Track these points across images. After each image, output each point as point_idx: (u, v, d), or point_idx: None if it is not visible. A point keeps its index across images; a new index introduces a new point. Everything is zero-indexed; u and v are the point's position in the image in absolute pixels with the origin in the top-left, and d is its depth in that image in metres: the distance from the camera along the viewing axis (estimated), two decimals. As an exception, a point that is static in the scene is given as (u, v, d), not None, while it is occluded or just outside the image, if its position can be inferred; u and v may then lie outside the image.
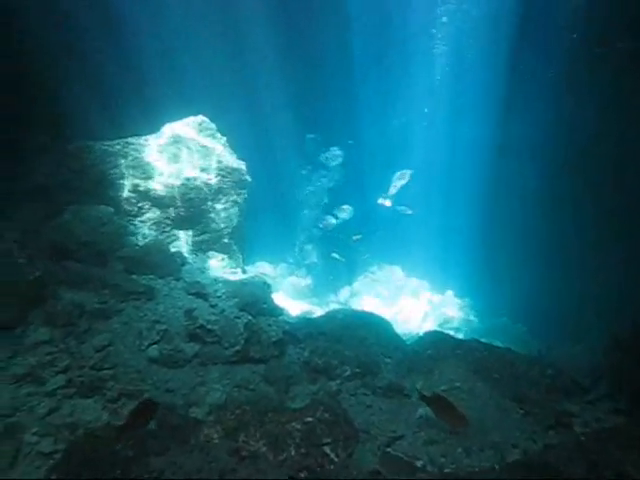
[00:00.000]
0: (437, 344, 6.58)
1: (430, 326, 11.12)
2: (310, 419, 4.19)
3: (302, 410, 4.73)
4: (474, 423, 5.37)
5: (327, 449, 4.09)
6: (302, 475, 3.01)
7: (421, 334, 7.39)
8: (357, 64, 12.51)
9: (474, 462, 4.91)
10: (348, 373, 6.08)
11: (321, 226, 12.14)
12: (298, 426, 4.02)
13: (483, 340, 10.65)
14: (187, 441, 3.89)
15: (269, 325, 6.63)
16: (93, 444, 4.37)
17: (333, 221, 12.10)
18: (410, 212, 12.39)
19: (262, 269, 12.07)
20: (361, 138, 13.50)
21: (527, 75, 12.26)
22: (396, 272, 13.60)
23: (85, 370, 5.49)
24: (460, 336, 10.90)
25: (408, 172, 12.79)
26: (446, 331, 10.94)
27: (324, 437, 4.08)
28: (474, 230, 12.96)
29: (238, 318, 6.70)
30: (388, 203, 12.59)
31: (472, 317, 12.11)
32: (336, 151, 13.11)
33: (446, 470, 4.80)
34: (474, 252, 12.74)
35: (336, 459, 4.19)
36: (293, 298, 10.67)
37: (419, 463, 4.87)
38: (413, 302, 12.07)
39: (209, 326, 6.36)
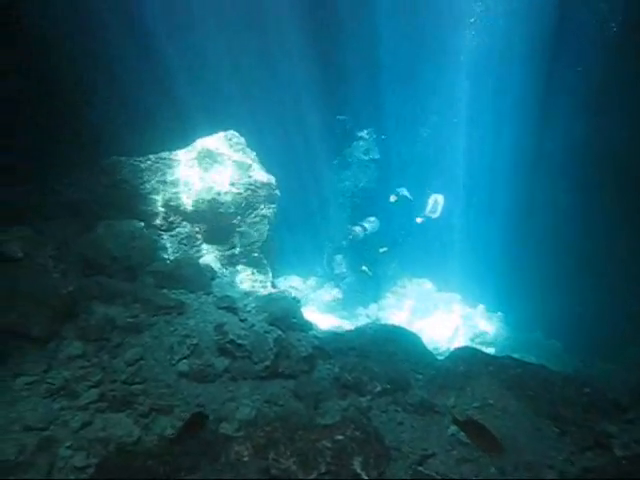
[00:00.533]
0: (469, 360, 6.44)
1: (461, 341, 10.93)
2: (340, 437, 4.11)
3: (332, 427, 4.66)
4: (508, 442, 5.23)
5: (358, 468, 4.01)
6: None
7: (452, 350, 7.23)
8: (387, 76, 12.50)
9: (509, 483, 4.77)
10: (378, 389, 6.00)
11: (350, 237, 11.95)
12: (328, 444, 3.95)
13: (516, 356, 10.47)
14: (217, 458, 3.86)
15: (299, 340, 6.59)
16: (125, 459, 4.39)
17: (360, 231, 11.85)
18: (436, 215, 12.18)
19: (292, 282, 12.07)
20: (389, 151, 13.46)
21: (561, 89, 12.06)
22: (426, 285, 13.43)
23: (117, 384, 5.53)
24: (492, 351, 10.73)
25: (441, 197, 12.46)
26: (478, 346, 10.80)
27: (355, 455, 3.99)
28: (506, 243, 12.74)
29: (268, 333, 6.68)
30: (419, 220, 12.27)
31: (504, 332, 11.85)
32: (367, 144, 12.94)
33: (480, 490, 4.68)
34: (506, 266, 12.51)
35: (367, 478, 4.11)
36: (322, 312, 10.62)
37: (452, 483, 4.76)
38: (444, 316, 11.88)
39: (239, 341, 6.35)
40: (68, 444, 4.76)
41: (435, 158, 13.81)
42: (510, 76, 12.79)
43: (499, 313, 12.28)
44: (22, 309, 5.73)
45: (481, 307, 12.47)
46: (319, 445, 3.93)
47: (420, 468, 4.97)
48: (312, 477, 3.67)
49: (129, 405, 5.32)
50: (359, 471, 3.91)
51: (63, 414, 5.07)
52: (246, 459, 3.75)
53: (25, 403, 5.11)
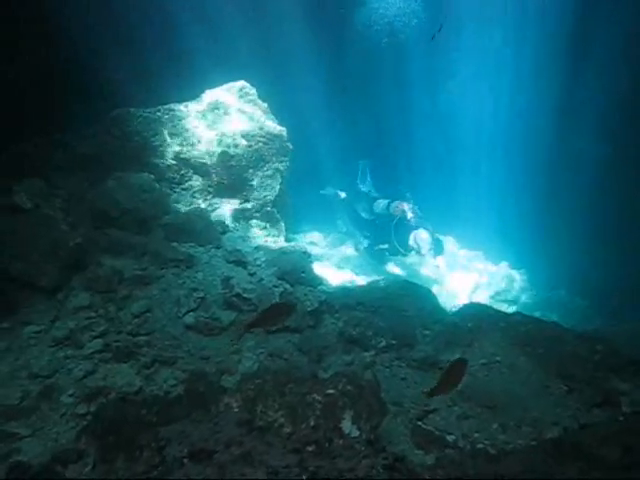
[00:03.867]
0: (478, 316, 6.28)
1: (481, 298, 10.71)
2: (333, 390, 4.06)
3: (331, 380, 4.60)
4: (513, 399, 5.13)
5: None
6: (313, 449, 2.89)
7: (461, 306, 7.07)
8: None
9: (509, 438, 4.68)
10: (383, 344, 5.92)
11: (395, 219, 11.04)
12: (319, 397, 3.90)
13: (537, 314, 10.26)
14: (209, 410, 3.86)
15: (305, 295, 6.52)
16: (121, 408, 4.44)
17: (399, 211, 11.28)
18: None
19: (312, 238, 11.96)
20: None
21: (593, 36, 11.36)
22: (449, 242, 13.13)
23: (122, 335, 5.59)
24: (513, 308, 10.52)
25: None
26: (499, 304, 10.60)
27: (347, 409, 3.94)
28: (532, 199, 12.32)
29: (276, 287, 6.63)
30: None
31: (527, 289, 11.57)
32: None
33: (478, 446, 4.59)
34: (531, 222, 12.13)
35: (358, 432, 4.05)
36: (339, 267, 10.51)
37: (450, 438, 4.70)
38: (465, 273, 11.64)
39: (245, 294, 6.32)
40: (70, 392, 4.85)
41: (459, 115, 13.30)
42: (542, 20, 12.09)
43: (522, 270, 11.96)
44: (31, 259, 5.79)
45: (504, 264, 12.15)
46: (309, 398, 3.87)
47: (419, 423, 4.93)
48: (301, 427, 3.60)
49: (133, 356, 5.38)
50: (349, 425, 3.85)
51: (67, 363, 5.16)
52: (235, 410, 3.72)
53: (32, 351, 5.22)
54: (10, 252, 5.72)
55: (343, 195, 11.83)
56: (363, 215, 11.29)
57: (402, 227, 9.90)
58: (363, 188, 11.75)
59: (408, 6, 12.57)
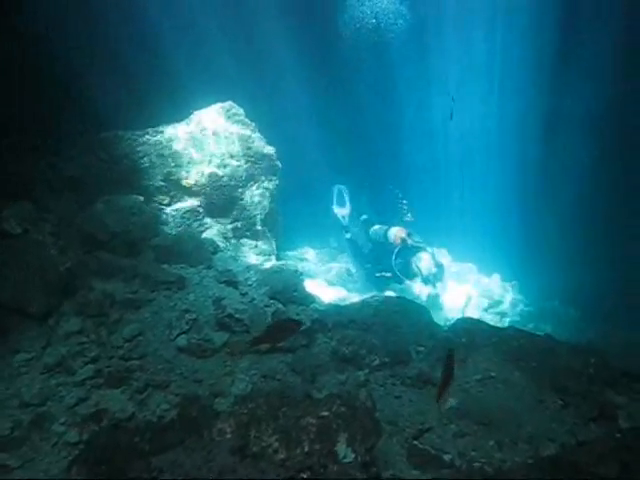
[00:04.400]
0: (472, 331, 6.28)
1: (474, 311, 10.73)
2: (327, 413, 4.03)
3: (325, 401, 4.57)
4: (508, 415, 5.12)
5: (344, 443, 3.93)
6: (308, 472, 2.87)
7: (454, 321, 7.07)
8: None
9: (506, 456, 4.66)
10: (377, 362, 5.90)
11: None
12: (313, 420, 3.87)
13: (531, 325, 10.29)
14: (202, 436, 3.82)
15: (297, 314, 6.51)
16: (113, 436, 4.40)
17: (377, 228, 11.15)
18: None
19: (305, 254, 11.96)
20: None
21: (581, 43, 11.53)
22: (440, 254, 13.16)
23: (114, 360, 5.55)
24: (507, 320, 10.55)
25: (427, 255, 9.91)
26: (491, 316, 10.63)
27: (342, 431, 3.91)
28: (523, 210, 12.41)
29: (267, 307, 6.62)
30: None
31: (520, 301, 11.61)
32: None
33: (475, 464, 4.57)
34: (523, 233, 12.22)
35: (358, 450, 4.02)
36: (332, 284, 10.49)
37: (447, 457, 4.67)
38: (457, 286, 11.66)
39: (237, 315, 6.29)
40: (62, 420, 4.80)
41: (445, 123, 13.40)
42: (528, 31, 12.24)
43: (514, 282, 12.01)
44: (20, 285, 5.75)
45: (496, 276, 12.19)
46: (303, 422, 3.84)
47: (415, 442, 4.90)
48: (295, 453, 3.57)
49: (125, 381, 5.33)
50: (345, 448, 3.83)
51: (59, 390, 5.11)
52: (228, 436, 3.69)
53: (23, 379, 5.17)
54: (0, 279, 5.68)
55: (348, 235, 11.44)
56: (364, 250, 10.96)
57: (403, 254, 9.62)
58: (338, 211, 11.54)
59: (393, 5, 12.59)
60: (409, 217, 10.58)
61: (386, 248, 9.93)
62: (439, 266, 9.53)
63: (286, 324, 5.28)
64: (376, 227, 10.60)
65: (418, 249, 9.59)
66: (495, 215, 12.97)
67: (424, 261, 9.33)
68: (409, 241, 9.69)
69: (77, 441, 4.58)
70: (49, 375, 5.25)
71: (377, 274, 9.90)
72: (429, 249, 9.69)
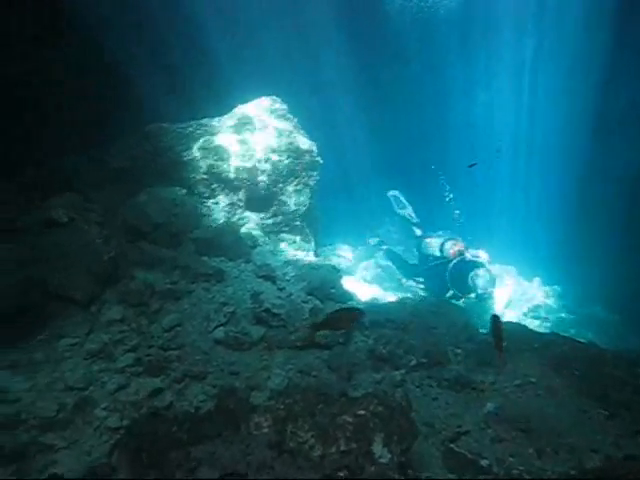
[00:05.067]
0: (512, 336, 6.14)
1: (514, 314, 10.53)
2: (364, 412, 4.01)
3: (362, 400, 4.55)
4: (549, 423, 4.99)
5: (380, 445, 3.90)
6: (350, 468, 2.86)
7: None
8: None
9: (546, 465, 4.54)
10: (414, 363, 5.85)
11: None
12: (350, 419, 3.86)
13: (572, 331, 10.02)
14: (238, 429, 3.85)
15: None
16: (153, 424, 4.47)
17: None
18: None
19: (342, 252, 11.96)
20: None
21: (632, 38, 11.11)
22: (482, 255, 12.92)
23: (153, 349, 5.65)
24: (547, 325, 10.29)
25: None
26: (531, 320, 10.39)
27: (378, 431, 3.88)
28: (566, 214, 12.08)
29: (305, 302, 6.62)
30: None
31: (561, 306, 11.32)
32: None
33: (514, 472, 4.47)
34: (566, 237, 11.90)
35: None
36: (368, 282, 10.46)
37: (484, 462, 4.59)
38: (497, 289, 11.41)
39: (275, 310, 6.32)
40: (104, 405, 4.91)
41: (491, 122, 13.14)
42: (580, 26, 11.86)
43: (556, 286, 11.72)
44: (66, 273, 5.91)
45: (537, 280, 11.93)
46: (340, 420, 3.83)
47: (452, 445, 4.83)
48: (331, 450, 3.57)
49: (163, 370, 5.42)
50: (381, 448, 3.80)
51: (101, 376, 5.23)
52: (265, 431, 3.70)
53: (67, 364, 5.30)
54: (46, 265, 5.84)
55: (385, 247, 11.24)
56: (410, 262, 10.43)
57: (460, 269, 9.01)
58: (402, 213, 11.18)
59: None
60: (457, 213, 10.35)
61: (442, 264, 9.29)
62: (492, 280, 8.95)
63: (348, 312, 5.28)
64: (430, 240, 10.00)
65: (475, 264, 9.00)
66: (538, 218, 12.67)
67: (481, 278, 8.73)
68: (467, 255, 9.16)
69: (118, 426, 4.67)
70: (92, 361, 5.37)
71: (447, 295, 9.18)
72: (486, 264, 9.11)
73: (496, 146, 11.89)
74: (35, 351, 5.26)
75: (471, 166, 9.19)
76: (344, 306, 6.40)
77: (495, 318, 4.72)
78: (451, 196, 10.45)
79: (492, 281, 8.76)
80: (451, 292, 8.99)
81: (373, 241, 11.73)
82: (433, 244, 9.79)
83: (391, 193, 11.30)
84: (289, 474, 2.83)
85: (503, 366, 5.69)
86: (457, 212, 10.34)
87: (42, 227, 6.13)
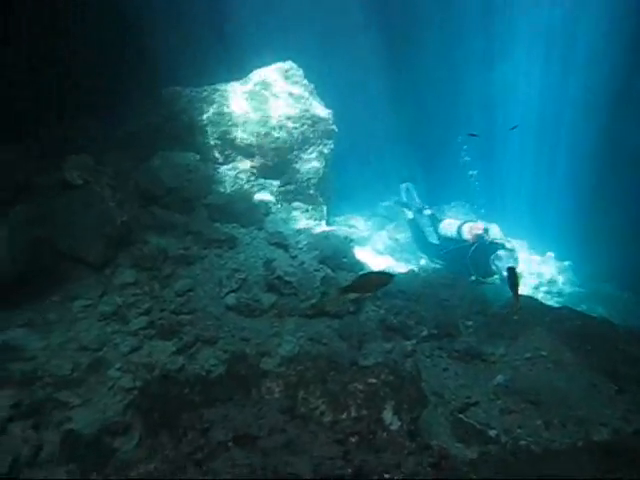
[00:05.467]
0: (524, 309, 6.12)
1: (525, 289, 10.46)
2: (375, 380, 4.03)
3: (371, 369, 4.57)
4: (558, 395, 5.00)
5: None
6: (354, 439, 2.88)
7: (507, 298, 6.89)
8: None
9: (554, 436, 4.55)
10: (425, 334, 5.86)
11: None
12: (361, 386, 3.88)
13: (584, 307, 9.96)
14: (249, 393, 3.88)
15: (346, 280, 6.47)
16: (165, 386, 4.53)
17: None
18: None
19: (353, 221, 11.87)
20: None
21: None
22: (493, 230, 12.81)
23: (166, 313, 5.70)
24: (559, 300, 10.24)
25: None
26: (543, 295, 10.33)
27: (389, 399, 3.90)
28: (579, 188, 11.91)
29: (317, 271, 6.60)
30: None
31: (573, 281, 11.24)
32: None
33: (521, 442, 4.50)
34: (579, 212, 11.76)
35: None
36: (380, 253, 10.41)
37: (492, 432, 4.62)
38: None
39: (287, 277, 6.32)
40: (117, 366, 4.97)
41: (508, 97, 12.86)
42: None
43: (568, 262, 11.62)
44: (80, 235, 5.95)
45: (549, 254, 11.81)
46: (351, 387, 3.85)
47: (460, 415, 4.86)
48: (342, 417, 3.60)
49: (176, 334, 5.46)
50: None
51: (114, 337, 5.29)
52: (277, 396, 3.74)
53: (81, 324, 5.36)
54: (60, 228, 5.87)
55: (410, 215, 10.55)
56: (431, 240, 9.76)
57: (481, 252, 8.48)
58: (409, 202, 10.98)
59: None
60: (472, 174, 10.10)
61: (461, 247, 8.80)
62: (515, 259, 8.44)
63: (379, 275, 5.28)
64: (447, 222, 9.47)
65: (496, 246, 8.48)
66: (552, 193, 12.51)
67: (503, 259, 8.24)
68: (486, 237, 8.62)
69: (131, 387, 4.73)
70: (105, 323, 5.43)
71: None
72: (508, 245, 8.60)
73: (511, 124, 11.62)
74: (49, 311, 5.33)
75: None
76: (374, 270, 6.37)
77: (511, 269, 4.94)
78: (467, 159, 10.17)
79: (515, 260, 8.54)
80: (473, 277, 8.52)
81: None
82: (451, 226, 9.32)
83: (404, 185, 11.05)
84: (301, 438, 2.85)
85: (517, 309, 5.83)
86: (473, 173, 10.07)
87: (56, 189, 6.14)
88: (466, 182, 10.03)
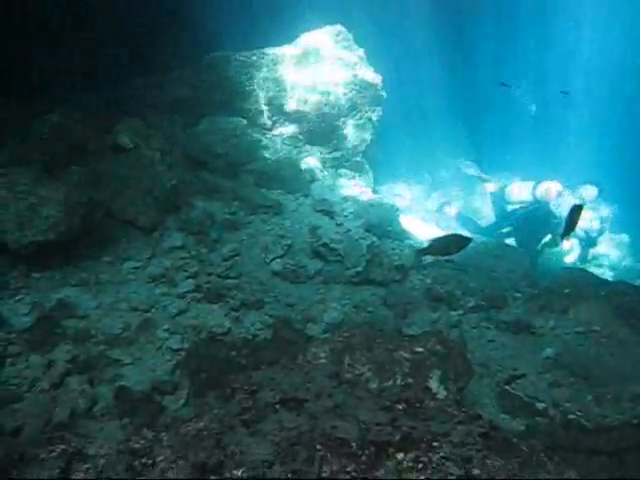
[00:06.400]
0: (577, 281, 5.93)
1: (576, 262, 10.12)
2: (422, 349, 3.98)
3: (417, 338, 4.53)
4: (610, 370, 4.85)
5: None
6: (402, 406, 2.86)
7: (559, 269, 6.68)
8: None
9: (606, 412, 4.43)
10: (471, 304, 5.76)
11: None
12: (407, 355, 3.85)
13: (638, 283, 9.57)
14: (295, 358, 3.91)
15: (393, 249, 6.41)
16: (212, 348, 4.62)
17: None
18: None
19: (398, 190, 11.69)
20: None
21: None
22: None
23: (212, 277, 5.78)
24: (611, 275, 9.88)
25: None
26: (594, 269, 9.98)
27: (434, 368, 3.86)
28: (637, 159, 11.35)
29: (363, 239, 6.53)
30: None
31: (628, 256, 10.81)
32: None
33: (570, 417, 4.40)
34: (636, 183, 11.23)
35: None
36: (426, 222, 10.23)
37: (540, 405, 4.53)
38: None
39: (333, 245, 6.28)
40: (165, 327, 5.09)
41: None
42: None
43: (624, 235, 11.15)
44: (131, 198, 6.06)
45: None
46: (397, 355, 3.82)
47: (507, 387, 4.78)
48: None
49: (222, 298, 5.53)
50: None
51: (163, 299, 5.40)
52: (323, 361, 3.74)
53: (131, 285, 5.50)
54: (112, 190, 5.99)
55: (455, 211, 10.06)
56: (485, 225, 9.40)
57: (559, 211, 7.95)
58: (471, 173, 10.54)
59: None
60: (533, 108, 9.63)
61: (535, 209, 8.30)
62: (605, 218, 8.33)
63: (457, 238, 5.23)
64: (515, 187, 8.82)
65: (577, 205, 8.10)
66: (609, 160, 11.96)
67: (587, 220, 7.94)
68: (566, 196, 8.06)
69: (179, 348, 4.84)
70: (154, 285, 5.55)
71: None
72: (589, 204, 8.10)
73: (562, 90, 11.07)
74: (101, 272, 5.47)
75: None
76: (452, 232, 6.46)
77: (576, 206, 5.02)
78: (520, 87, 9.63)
79: (606, 219, 8.11)
80: (547, 239, 8.15)
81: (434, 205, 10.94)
82: (521, 191, 8.72)
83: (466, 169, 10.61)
84: (348, 403, 2.85)
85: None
86: (533, 108, 9.53)
87: (108, 152, 6.24)
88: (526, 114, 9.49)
